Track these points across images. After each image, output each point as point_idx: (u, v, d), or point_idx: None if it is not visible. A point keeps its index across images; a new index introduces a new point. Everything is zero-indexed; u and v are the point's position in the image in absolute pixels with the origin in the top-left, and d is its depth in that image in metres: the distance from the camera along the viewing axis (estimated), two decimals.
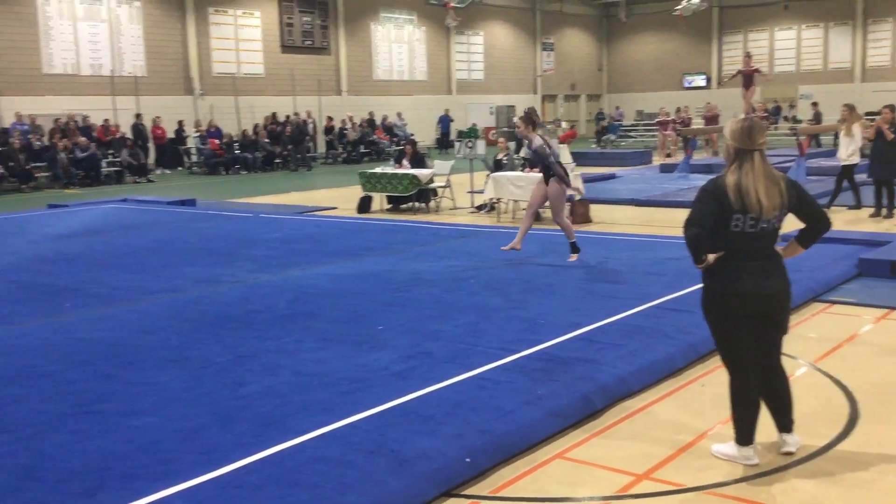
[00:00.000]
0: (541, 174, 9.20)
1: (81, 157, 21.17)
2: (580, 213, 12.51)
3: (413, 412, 4.67)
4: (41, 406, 4.94)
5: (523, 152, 15.75)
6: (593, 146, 31.52)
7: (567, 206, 9.61)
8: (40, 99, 22.80)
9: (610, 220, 12.77)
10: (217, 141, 24.58)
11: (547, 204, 9.18)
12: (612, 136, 33.92)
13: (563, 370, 5.33)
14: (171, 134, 24.79)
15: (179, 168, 24.98)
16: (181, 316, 7.13)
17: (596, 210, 13.11)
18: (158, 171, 23.99)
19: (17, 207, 16.19)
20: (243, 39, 28.07)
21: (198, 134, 24.79)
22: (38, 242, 11.39)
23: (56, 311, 7.41)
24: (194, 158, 25.09)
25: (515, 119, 9.49)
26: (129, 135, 23.41)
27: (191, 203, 15.79)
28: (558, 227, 9.32)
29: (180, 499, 3.71)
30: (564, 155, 14.10)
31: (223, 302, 7.60)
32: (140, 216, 14.29)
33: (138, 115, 24.06)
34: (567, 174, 9.21)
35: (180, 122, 24.84)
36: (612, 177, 19.41)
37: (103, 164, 21.84)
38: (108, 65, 24.45)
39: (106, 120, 23.32)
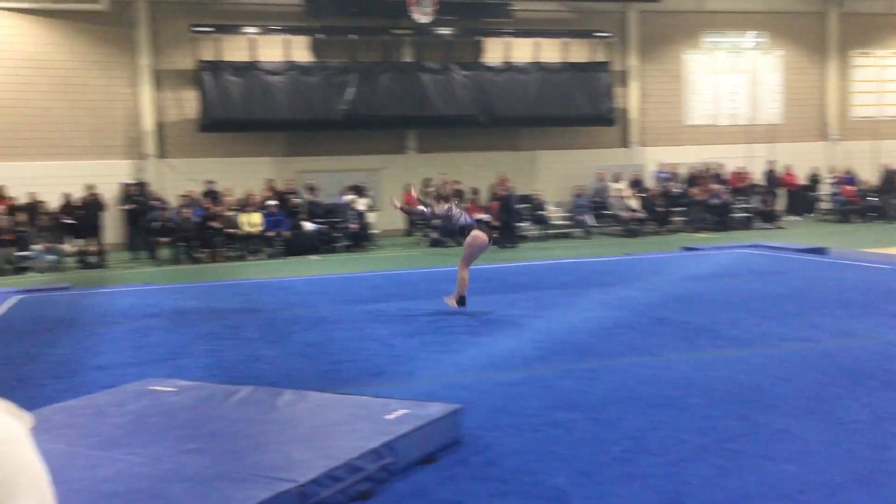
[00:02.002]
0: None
1: (714, 204, 22.08)
2: None
3: None
4: (681, 436, 5.29)
5: None
6: None
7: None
8: (679, 149, 24.51)
9: None
10: (851, 187, 23.37)
11: None
12: None
13: None
14: (801, 180, 24.37)
15: (809, 215, 24.38)
16: (814, 366, 6.97)
17: None
18: (788, 218, 23.74)
19: (654, 248, 17.61)
20: (887, 81, 26.26)
21: (833, 180, 23.92)
22: (673, 282, 12.22)
23: (693, 347, 7.87)
24: (826, 206, 24.24)
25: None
26: (761, 181, 23.68)
27: (821, 251, 15.28)
28: None
29: None
30: None
31: (860, 357, 7.21)
32: (769, 262, 14.33)
33: (771, 162, 24.20)
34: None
35: (813, 168, 24.27)
36: None
37: (734, 209, 22.46)
38: (744, 114, 25.16)
39: (740, 167, 23.96)
